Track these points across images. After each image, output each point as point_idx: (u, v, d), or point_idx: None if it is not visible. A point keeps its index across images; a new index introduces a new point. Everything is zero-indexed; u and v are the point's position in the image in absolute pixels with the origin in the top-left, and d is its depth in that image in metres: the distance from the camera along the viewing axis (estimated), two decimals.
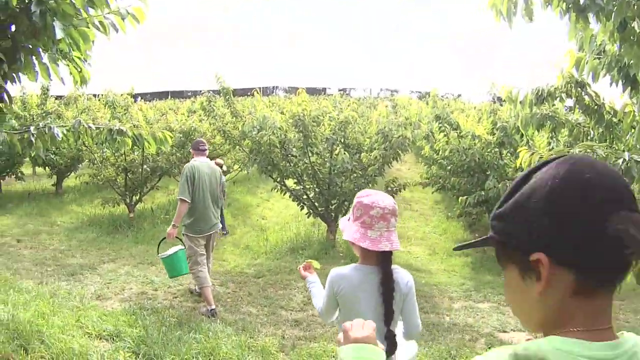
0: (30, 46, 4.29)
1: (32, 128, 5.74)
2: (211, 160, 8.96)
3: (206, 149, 8.22)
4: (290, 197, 12.24)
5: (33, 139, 5.69)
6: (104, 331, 6.49)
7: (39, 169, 22.24)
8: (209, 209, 7.94)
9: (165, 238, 7.97)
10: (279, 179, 11.90)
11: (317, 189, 11.75)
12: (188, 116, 17.23)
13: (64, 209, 16.47)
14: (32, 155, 5.64)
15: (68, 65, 4.89)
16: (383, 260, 2.98)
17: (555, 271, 1.14)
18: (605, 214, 1.10)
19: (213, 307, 7.70)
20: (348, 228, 3.08)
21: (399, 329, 3.16)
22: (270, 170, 11.67)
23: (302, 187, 11.79)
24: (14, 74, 4.38)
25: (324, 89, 61.27)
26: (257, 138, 11.30)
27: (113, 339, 6.35)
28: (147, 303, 8.17)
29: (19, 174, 18.80)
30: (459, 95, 45.09)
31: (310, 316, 7.89)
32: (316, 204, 11.87)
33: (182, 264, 7.73)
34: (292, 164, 11.55)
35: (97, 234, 13.29)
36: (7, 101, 4.52)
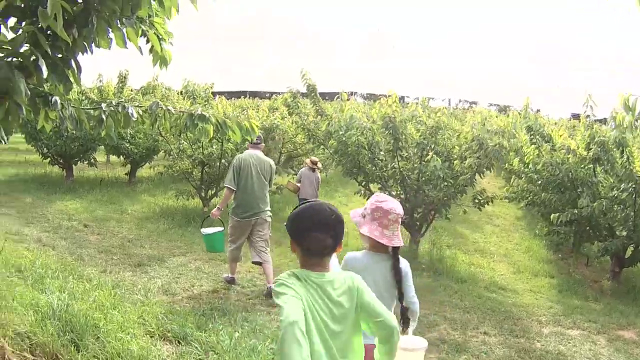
0: (107, 13, 3.78)
1: (104, 105, 5.28)
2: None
3: (259, 143, 8.79)
4: None
5: (104, 117, 5.22)
6: (168, 332, 5.94)
7: (113, 158, 22.32)
8: (252, 197, 8.43)
9: (209, 216, 8.78)
10: (363, 183, 11.30)
11: (402, 196, 11.13)
12: (270, 113, 16.75)
13: (135, 198, 16.31)
14: (102, 134, 5.16)
15: (147, 33, 4.39)
16: (394, 253, 3.86)
17: (295, 246, 2.80)
18: (307, 230, 2.74)
19: (233, 276, 8.73)
20: (365, 224, 3.90)
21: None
22: (355, 173, 11.22)
23: (387, 192, 11.09)
24: (84, 43, 3.88)
25: (402, 98, 60.64)
26: (343, 138, 10.85)
27: (179, 341, 5.80)
28: (219, 303, 7.69)
29: (92, 160, 18.72)
30: (538, 110, 43.72)
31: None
32: None
33: (219, 243, 8.72)
34: (378, 168, 10.96)
35: (169, 225, 12.95)
36: (75, 69, 4.00)
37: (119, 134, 17.07)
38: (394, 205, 3.82)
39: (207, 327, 6.23)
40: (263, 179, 8.54)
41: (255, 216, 8.44)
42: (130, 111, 5.27)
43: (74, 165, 18.68)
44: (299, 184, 12.87)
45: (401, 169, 10.80)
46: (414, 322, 4.17)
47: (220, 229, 8.70)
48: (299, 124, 13.18)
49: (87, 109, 5.34)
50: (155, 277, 8.80)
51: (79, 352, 4.79)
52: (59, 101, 4.60)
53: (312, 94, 12.65)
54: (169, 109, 5.52)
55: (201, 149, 14.19)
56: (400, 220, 3.84)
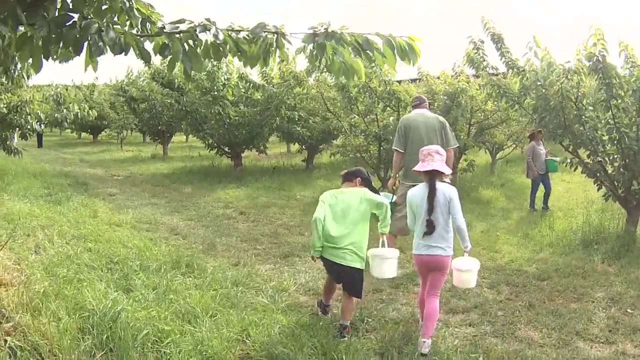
0: None
1: (169, 26, 3.72)
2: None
3: (419, 103, 8.34)
4: (582, 173, 9.43)
5: (169, 42, 3.59)
6: (275, 357, 4.21)
7: (293, 147, 22.58)
8: None
9: (381, 188, 8.85)
10: (570, 147, 9.13)
11: (616, 163, 8.84)
12: (452, 78, 14.55)
13: (309, 184, 15.59)
14: (177, 70, 3.52)
15: None
16: (430, 178, 5.22)
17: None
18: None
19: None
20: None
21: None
22: (560, 135, 9.00)
23: (600, 159, 8.87)
24: None
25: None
26: (543, 90, 8.74)
27: None
28: (377, 309, 5.94)
29: (261, 148, 18.13)
30: None
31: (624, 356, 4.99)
32: (615, 183, 9.01)
33: None
34: (586, 127, 8.71)
35: None
36: None
37: (289, 118, 15.98)
38: (426, 147, 5.52)
39: (343, 351, 4.35)
40: (434, 138, 7.69)
41: None
42: (214, 32, 3.75)
43: (242, 154, 18.40)
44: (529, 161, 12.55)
45: (617, 124, 8.43)
46: (464, 241, 5.27)
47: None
48: (486, 81, 10.61)
49: (146, 35, 3.83)
50: (301, 272, 7.47)
51: None
52: (93, 26, 3.46)
53: (499, 45, 10.22)
54: (283, 33, 3.92)
55: (376, 121, 13.02)
56: (435, 154, 5.27)
